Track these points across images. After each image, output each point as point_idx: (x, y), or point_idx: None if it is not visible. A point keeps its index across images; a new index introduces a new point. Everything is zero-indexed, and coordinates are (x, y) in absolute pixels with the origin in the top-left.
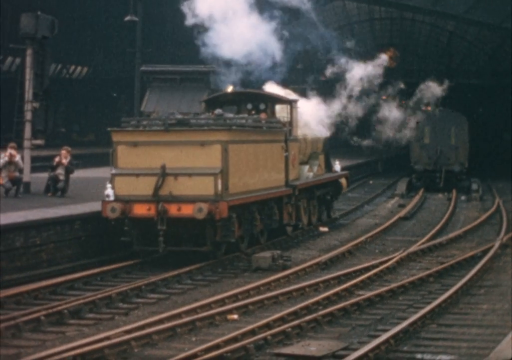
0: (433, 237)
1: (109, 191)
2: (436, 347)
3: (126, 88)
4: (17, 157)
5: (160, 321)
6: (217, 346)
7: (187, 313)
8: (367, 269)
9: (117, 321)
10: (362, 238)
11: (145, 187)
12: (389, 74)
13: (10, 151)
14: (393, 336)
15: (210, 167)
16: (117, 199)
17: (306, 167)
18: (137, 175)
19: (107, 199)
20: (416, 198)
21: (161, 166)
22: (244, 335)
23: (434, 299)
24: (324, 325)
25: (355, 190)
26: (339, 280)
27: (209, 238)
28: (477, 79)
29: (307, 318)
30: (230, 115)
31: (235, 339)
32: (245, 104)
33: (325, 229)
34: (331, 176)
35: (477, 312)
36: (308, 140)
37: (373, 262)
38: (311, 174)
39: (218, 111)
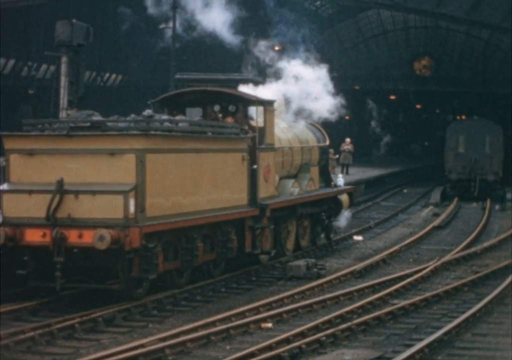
0: (468, 246)
1: None
2: (470, 357)
3: None
4: None
5: (195, 329)
6: (251, 355)
7: (222, 321)
8: (402, 278)
9: (151, 329)
10: (397, 247)
11: (39, 207)
12: (424, 83)
13: None
14: (428, 345)
15: (120, 184)
16: (5, 222)
17: (291, 182)
18: (30, 192)
19: None
20: (451, 207)
21: (57, 182)
22: (279, 344)
23: (468, 308)
24: (358, 334)
25: (389, 199)
26: (374, 289)
27: (122, 274)
28: None
29: (342, 326)
30: (164, 117)
31: (269, 348)
32: (212, 105)
33: (359, 238)
34: (326, 193)
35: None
36: (296, 150)
37: (408, 271)
38: (296, 190)
39: (147, 112)
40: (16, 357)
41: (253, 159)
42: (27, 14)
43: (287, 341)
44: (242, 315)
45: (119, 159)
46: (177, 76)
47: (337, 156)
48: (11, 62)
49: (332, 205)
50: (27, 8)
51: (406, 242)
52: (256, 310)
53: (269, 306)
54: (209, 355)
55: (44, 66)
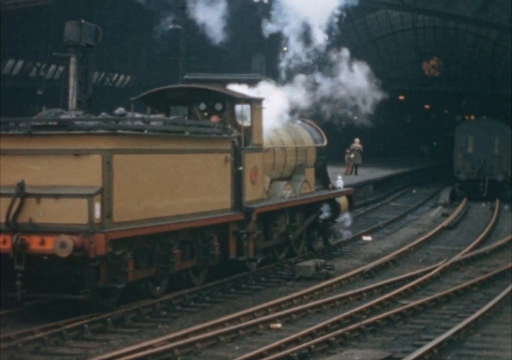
0: (477, 247)
1: None
2: (479, 357)
3: None
4: None
5: (204, 330)
6: (260, 355)
7: (230, 321)
8: (411, 278)
9: (160, 329)
10: (406, 247)
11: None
12: (432, 83)
13: None
14: (437, 346)
15: (85, 187)
16: None
17: (283, 184)
18: None
19: None
20: (460, 207)
21: (17, 184)
22: (288, 344)
23: (477, 308)
24: (367, 334)
25: (398, 199)
26: (383, 289)
27: (88, 283)
28: None
29: (351, 327)
30: (138, 115)
31: (278, 348)
32: (197, 104)
33: (368, 238)
34: (321, 195)
35: None
36: (290, 150)
37: (417, 271)
38: (289, 193)
39: (119, 110)
40: (25, 358)
41: (238, 161)
42: (36, 15)
43: (296, 341)
44: (251, 315)
45: (84, 160)
46: (186, 76)
47: (352, 155)
48: (20, 63)
49: (329, 208)
50: (36, 9)
51: (415, 242)
52: (265, 311)
53: (278, 307)
54: (218, 355)
55: (52, 67)
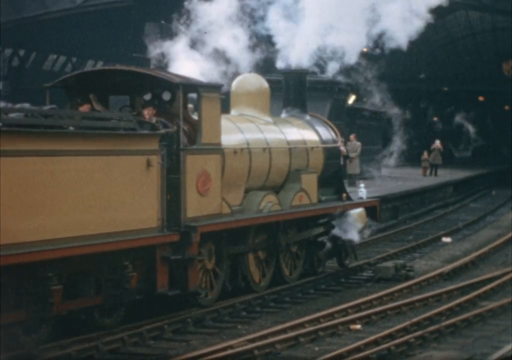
0: None
1: None
2: None
3: None
4: None
5: (283, 330)
6: (340, 356)
7: (310, 322)
8: (490, 280)
9: (240, 330)
10: (485, 249)
11: None
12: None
13: None
14: None
15: None
16: None
17: (261, 195)
18: None
19: None
20: None
21: None
22: (367, 345)
23: None
24: (447, 336)
25: (477, 200)
26: (462, 290)
27: None
28: None
29: (430, 328)
30: (26, 106)
31: (358, 349)
32: (141, 92)
33: (448, 240)
34: (320, 209)
35: None
36: (279, 152)
37: (496, 273)
38: (269, 205)
39: None
40: (105, 358)
41: (175, 165)
42: (115, 16)
43: (375, 342)
44: (330, 316)
45: None
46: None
47: (426, 155)
48: (100, 64)
49: (340, 223)
50: (115, 10)
51: (495, 243)
52: (345, 312)
53: (357, 308)
54: (297, 356)
55: None
